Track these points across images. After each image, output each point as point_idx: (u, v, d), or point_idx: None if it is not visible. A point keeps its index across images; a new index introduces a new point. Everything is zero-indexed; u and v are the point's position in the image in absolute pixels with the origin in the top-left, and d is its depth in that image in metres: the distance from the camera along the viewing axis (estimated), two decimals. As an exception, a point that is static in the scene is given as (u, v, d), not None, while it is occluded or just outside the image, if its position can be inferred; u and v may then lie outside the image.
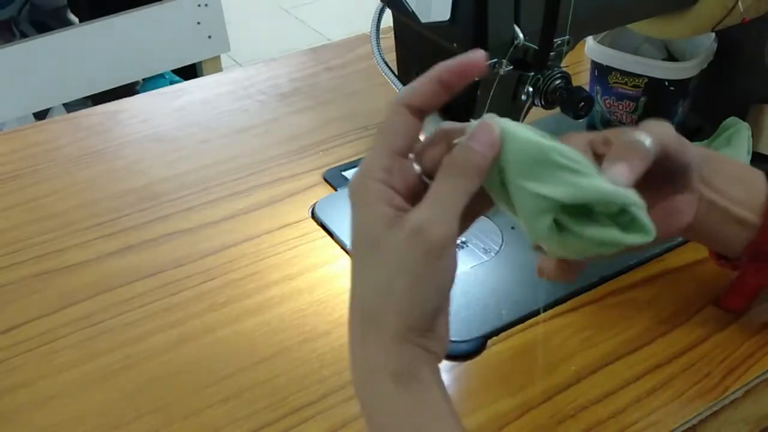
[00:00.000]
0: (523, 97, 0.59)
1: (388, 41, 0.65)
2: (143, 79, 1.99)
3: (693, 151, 0.50)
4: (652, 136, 0.46)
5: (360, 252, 0.42)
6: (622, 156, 0.45)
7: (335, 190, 0.81)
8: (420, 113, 0.43)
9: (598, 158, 0.47)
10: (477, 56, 0.42)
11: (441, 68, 0.43)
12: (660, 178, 0.49)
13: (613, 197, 0.41)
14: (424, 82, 0.43)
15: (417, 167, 0.43)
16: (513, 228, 0.74)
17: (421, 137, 0.45)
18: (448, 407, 0.42)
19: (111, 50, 1.79)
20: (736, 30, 0.70)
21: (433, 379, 0.42)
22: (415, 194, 0.42)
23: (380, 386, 0.41)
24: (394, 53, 0.67)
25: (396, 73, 0.66)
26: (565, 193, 0.41)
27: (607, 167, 0.44)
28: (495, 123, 0.42)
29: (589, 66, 0.83)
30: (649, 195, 0.44)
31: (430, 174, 0.43)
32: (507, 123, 0.43)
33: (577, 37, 0.60)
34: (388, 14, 0.65)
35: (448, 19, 0.55)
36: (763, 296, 0.62)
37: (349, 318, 0.43)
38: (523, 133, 0.42)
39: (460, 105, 0.60)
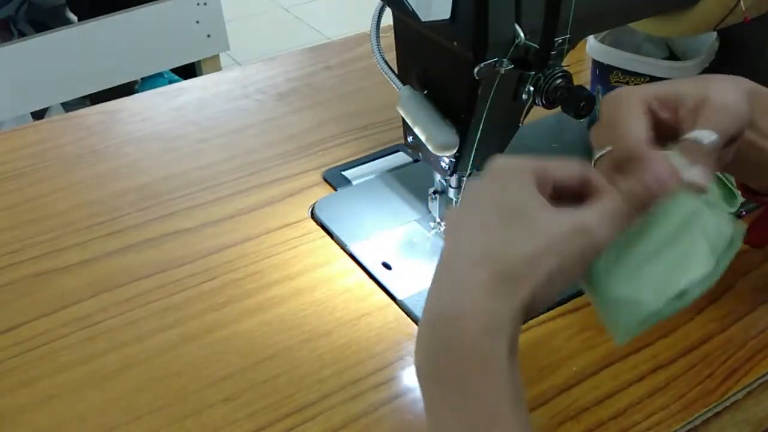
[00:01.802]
0: (524, 97, 0.59)
1: (388, 40, 0.65)
2: (142, 79, 1.99)
3: (743, 115, 0.50)
4: (716, 132, 0.47)
5: (499, 212, 0.43)
6: (695, 160, 0.47)
7: (335, 189, 0.81)
8: None
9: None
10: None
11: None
12: None
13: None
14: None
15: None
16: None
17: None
18: None
19: (110, 49, 1.79)
20: (738, 29, 0.70)
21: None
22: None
23: (496, 347, 0.40)
24: (394, 52, 0.66)
25: (396, 72, 0.66)
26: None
27: (686, 171, 0.46)
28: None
29: (590, 65, 0.83)
30: None
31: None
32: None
33: (579, 36, 0.60)
34: (388, 13, 0.65)
35: (449, 18, 0.55)
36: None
37: (451, 258, 0.43)
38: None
39: (461, 104, 0.60)
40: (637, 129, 0.48)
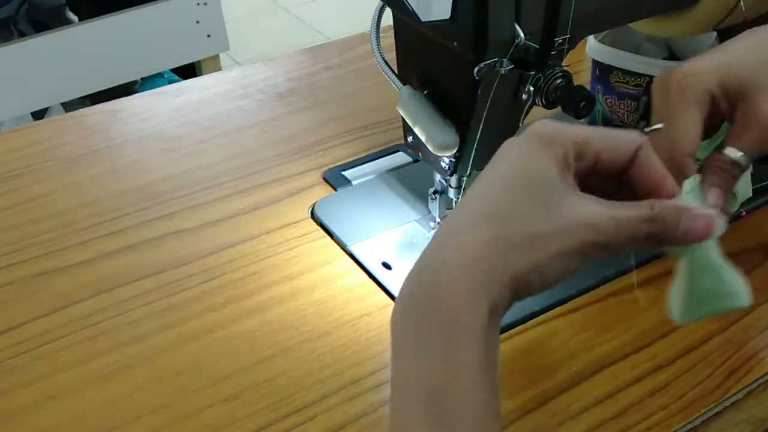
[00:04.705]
0: (524, 97, 0.59)
1: (388, 40, 0.65)
2: (142, 79, 1.99)
3: None
4: (746, 150, 0.48)
5: (522, 180, 0.42)
6: (717, 182, 0.47)
7: (335, 189, 0.81)
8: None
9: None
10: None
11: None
12: None
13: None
14: None
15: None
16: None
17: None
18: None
19: (110, 49, 1.79)
20: (738, 29, 0.69)
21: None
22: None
23: (475, 305, 0.39)
24: (394, 52, 0.66)
25: (396, 72, 0.66)
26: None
27: (706, 192, 0.46)
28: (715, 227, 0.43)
29: (590, 65, 0.83)
30: None
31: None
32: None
33: (579, 36, 0.60)
34: (388, 13, 0.65)
35: (449, 18, 0.55)
36: None
37: (460, 211, 0.42)
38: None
39: (461, 104, 0.60)
40: (687, 137, 0.48)
